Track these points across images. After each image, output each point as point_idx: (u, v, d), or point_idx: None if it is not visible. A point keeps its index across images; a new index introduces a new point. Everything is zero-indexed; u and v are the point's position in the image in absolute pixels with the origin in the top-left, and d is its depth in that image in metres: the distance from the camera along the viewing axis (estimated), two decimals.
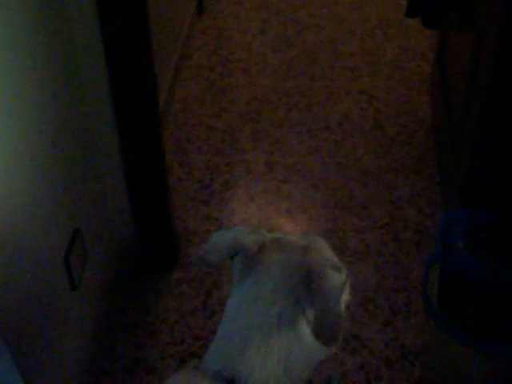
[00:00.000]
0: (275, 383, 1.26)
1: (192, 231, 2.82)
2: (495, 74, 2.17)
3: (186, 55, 3.81)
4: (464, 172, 2.48)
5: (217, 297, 2.53)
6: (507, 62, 2.11)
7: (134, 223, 2.62)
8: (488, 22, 2.22)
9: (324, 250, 1.40)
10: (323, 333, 1.24)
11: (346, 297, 1.36)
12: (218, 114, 3.43)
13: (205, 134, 3.31)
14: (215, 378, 1.25)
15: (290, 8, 4.27)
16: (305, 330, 1.27)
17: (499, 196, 2.33)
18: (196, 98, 3.55)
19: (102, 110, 2.29)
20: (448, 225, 2.15)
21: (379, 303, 2.50)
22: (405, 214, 2.85)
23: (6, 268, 1.61)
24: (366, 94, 3.49)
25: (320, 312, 1.23)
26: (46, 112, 1.89)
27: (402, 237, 2.75)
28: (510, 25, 2.05)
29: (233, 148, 3.22)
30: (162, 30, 3.25)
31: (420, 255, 2.64)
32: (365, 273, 2.61)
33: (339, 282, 1.27)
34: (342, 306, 1.32)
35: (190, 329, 2.43)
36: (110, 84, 2.24)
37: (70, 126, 2.10)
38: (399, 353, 2.34)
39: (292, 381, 1.29)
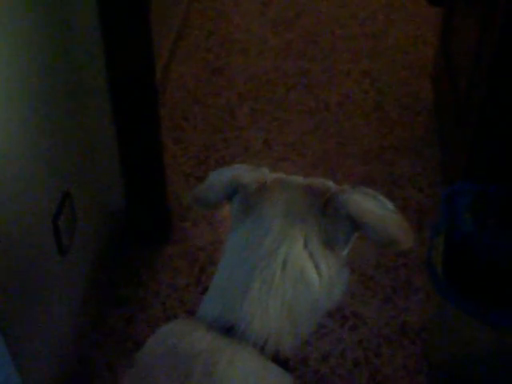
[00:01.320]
0: (277, 333, 1.14)
1: (186, 207, 2.72)
2: (500, 54, 2.12)
3: (183, 35, 3.72)
4: (468, 150, 2.41)
5: (211, 272, 2.41)
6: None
7: (127, 196, 2.52)
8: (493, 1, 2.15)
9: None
10: (393, 239, 1.18)
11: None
12: (216, 93, 3.33)
13: (201, 112, 3.22)
14: (212, 326, 1.14)
15: None
16: (312, 275, 1.16)
17: (502, 173, 2.25)
18: (193, 77, 3.45)
19: (97, 77, 2.21)
20: (453, 196, 2.06)
21: (379, 281, 2.40)
22: (405, 193, 2.75)
23: None
24: (367, 76, 3.40)
25: (371, 228, 1.16)
26: (37, 72, 1.80)
27: (402, 215, 2.65)
28: None
29: (230, 126, 3.13)
30: (159, 8, 3.16)
31: (420, 234, 2.53)
32: (365, 250, 2.51)
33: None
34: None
35: (183, 304, 2.33)
36: (105, 54, 2.17)
37: (62, 89, 2.01)
38: (399, 330, 2.24)
39: (295, 331, 1.17)
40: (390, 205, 1.24)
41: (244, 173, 1.26)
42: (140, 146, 2.49)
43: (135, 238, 2.56)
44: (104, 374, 2.15)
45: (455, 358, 2.08)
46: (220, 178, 1.27)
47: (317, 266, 1.16)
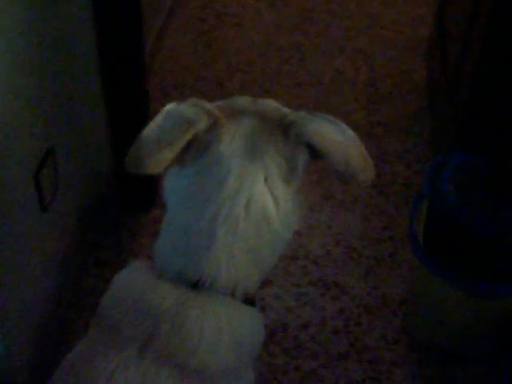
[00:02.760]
0: (245, 277, 1.08)
1: None
2: (489, 34, 2.09)
3: (177, 5, 3.64)
4: (456, 126, 2.38)
5: None
6: (502, 22, 2.02)
7: (115, 158, 2.47)
8: None
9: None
10: (354, 169, 1.13)
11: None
12: (207, 64, 3.27)
13: (192, 82, 3.16)
14: (175, 280, 1.06)
15: None
16: (272, 211, 1.07)
17: (489, 149, 2.22)
18: (186, 48, 3.39)
19: (84, 36, 2.15)
20: (438, 166, 2.02)
21: (364, 252, 2.36)
22: (393, 168, 2.71)
23: None
24: (360, 53, 3.34)
25: (333, 157, 1.10)
26: (21, 27, 1.73)
27: (389, 190, 2.61)
28: None
29: (220, 96, 3.03)
30: None
31: (407, 209, 2.48)
32: (350, 221, 2.47)
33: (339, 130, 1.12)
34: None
35: None
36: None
37: (48, 44, 1.94)
38: (381, 301, 2.20)
39: (260, 270, 1.11)
40: (351, 132, 1.17)
41: (189, 113, 1.15)
42: (128, 109, 2.44)
43: (121, 200, 2.50)
44: (82, 335, 2.09)
45: (435, 329, 2.04)
46: (167, 125, 1.15)
47: (276, 202, 1.08)
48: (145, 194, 2.50)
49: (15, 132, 1.73)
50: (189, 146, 1.08)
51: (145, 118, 2.51)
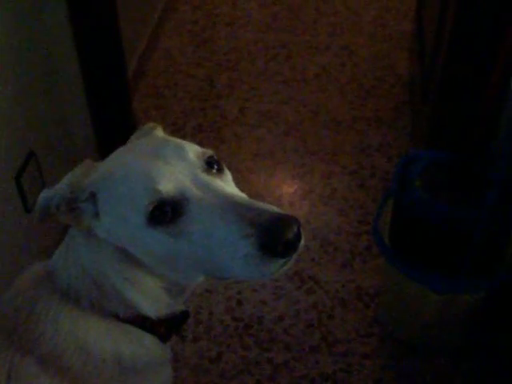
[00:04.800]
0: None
1: None
2: (457, 30, 2.00)
3: (170, 8, 3.58)
4: (430, 121, 2.30)
5: None
6: (468, 20, 1.94)
7: (98, 159, 2.42)
8: None
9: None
10: None
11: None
12: (198, 63, 3.21)
13: (183, 81, 3.10)
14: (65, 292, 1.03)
15: None
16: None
17: (459, 144, 2.14)
18: (178, 48, 3.33)
19: (65, 37, 2.10)
20: (407, 163, 1.94)
21: (339, 246, 2.29)
22: (374, 162, 2.63)
23: None
24: (345, 50, 3.26)
25: None
26: (4, 30, 1.70)
27: (368, 184, 2.53)
28: None
29: (209, 94, 3.01)
30: None
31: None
32: (328, 216, 2.40)
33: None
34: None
35: None
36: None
37: (30, 45, 1.90)
38: (354, 294, 2.13)
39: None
40: None
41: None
42: (111, 108, 2.40)
43: None
44: None
45: (405, 322, 1.97)
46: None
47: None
48: None
49: None
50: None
51: (129, 117, 2.47)
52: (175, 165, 0.92)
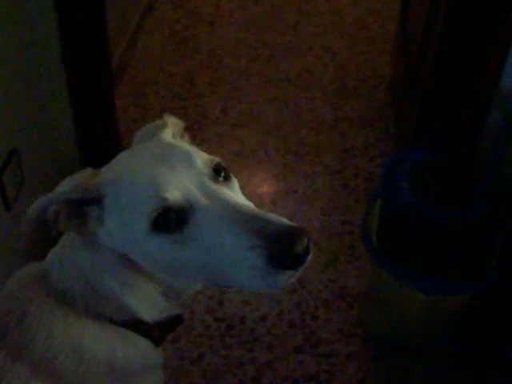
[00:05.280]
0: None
1: None
2: (446, 32, 2.01)
3: (152, 6, 3.55)
4: (415, 122, 2.30)
5: None
6: (458, 22, 1.95)
7: (79, 156, 2.38)
8: None
9: None
10: None
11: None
12: (179, 62, 3.18)
13: (164, 80, 3.07)
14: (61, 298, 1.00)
15: None
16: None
17: (446, 145, 2.14)
18: (159, 47, 3.30)
19: (48, 30, 2.06)
20: (393, 164, 1.93)
21: (323, 246, 2.27)
22: (356, 162, 2.62)
23: None
24: (328, 51, 3.25)
25: None
26: None
27: (351, 184, 2.52)
28: None
29: (190, 93, 2.98)
30: None
31: None
32: (311, 215, 2.38)
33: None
34: None
35: None
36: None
37: (13, 43, 1.86)
38: (338, 294, 2.12)
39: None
40: None
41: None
42: (94, 105, 2.35)
43: None
44: None
45: (388, 323, 1.96)
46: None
47: None
48: None
49: None
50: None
51: (111, 115, 2.43)
52: (182, 172, 0.91)
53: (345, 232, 2.32)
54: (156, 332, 1.05)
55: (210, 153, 2.88)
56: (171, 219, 0.87)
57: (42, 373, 0.93)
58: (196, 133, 2.74)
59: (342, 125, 2.80)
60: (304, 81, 3.05)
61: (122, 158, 0.99)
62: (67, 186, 0.94)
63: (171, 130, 1.05)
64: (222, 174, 0.95)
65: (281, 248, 0.82)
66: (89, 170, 0.98)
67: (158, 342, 1.07)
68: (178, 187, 0.88)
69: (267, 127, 2.77)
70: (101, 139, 2.41)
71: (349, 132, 2.76)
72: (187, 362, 1.90)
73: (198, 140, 2.69)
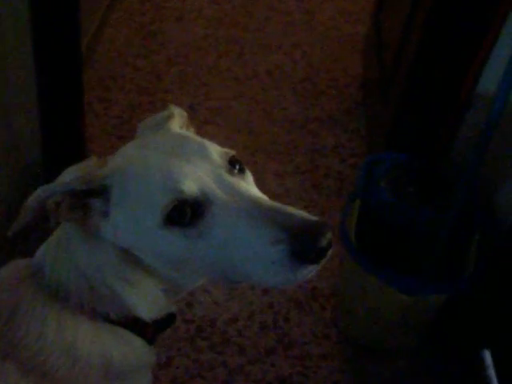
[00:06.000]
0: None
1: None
2: (426, 33, 2.02)
3: None
4: (389, 123, 2.30)
5: None
6: (438, 24, 1.96)
7: (44, 152, 2.31)
8: None
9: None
10: None
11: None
12: (146, 56, 3.12)
13: (130, 74, 3.01)
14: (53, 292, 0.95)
15: None
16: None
17: (419, 146, 2.14)
18: (125, 40, 3.23)
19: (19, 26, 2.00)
20: (370, 165, 1.93)
21: None
22: (327, 162, 2.61)
23: None
24: (298, 49, 3.24)
25: None
26: None
27: (322, 184, 2.51)
28: None
29: (157, 88, 2.93)
30: None
31: (340, 202, 2.40)
32: None
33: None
34: None
35: None
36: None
37: None
38: (310, 295, 2.10)
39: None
40: None
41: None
42: (59, 101, 2.29)
43: None
44: None
45: (362, 324, 1.95)
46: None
47: None
48: None
49: None
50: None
51: (78, 112, 2.37)
52: (198, 164, 0.88)
53: None
54: (150, 331, 1.01)
55: None
56: (186, 213, 0.85)
57: (32, 374, 0.89)
58: None
59: (313, 125, 2.79)
60: (274, 78, 3.03)
61: (130, 148, 0.95)
62: (71, 175, 0.90)
63: (178, 120, 1.02)
64: (237, 167, 0.93)
65: (305, 242, 0.80)
66: (94, 159, 0.94)
67: (151, 341, 1.03)
68: (194, 179, 0.86)
69: (236, 125, 2.74)
70: (64, 134, 2.35)
71: (319, 131, 2.75)
72: (154, 368, 1.85)
73: None
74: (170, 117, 1.01)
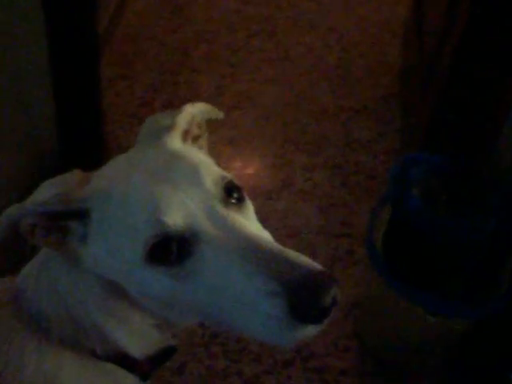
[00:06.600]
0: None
1: (126, 149, 2.42)
2: (471, 21, 1.85)
3: None
4: (429, 119, 2.17)
5: None
6: (483, 10, 1.80)
7: (60, 135, 2.22)
8: None
9: None
10: None
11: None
12: (173, 31, 3.01)
13: (155, 50, 2.90)
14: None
15: None
16: None
17: (460, 147, 2.02)
18: (151, 14, 3.12)
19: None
20: (403, 168, 1.80)
21: (318, 248, 2.15)
22: (358, 157, 2.49)
23: None
24: (334, 32, 3.10)
25: None
26: None
27: (352, 181, 2.39)
28: None
29: (183, 67, 2.82)
30: None
31: (370, 202, 2.28)
32: (308, 213, 2.26)
33: None
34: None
35: None
36: None
37: None
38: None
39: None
40: None
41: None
42: (76, 81, 2.19)
43: None
44: None
45: (386, 339, 1.85)
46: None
47: None
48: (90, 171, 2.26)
49: None
50: None
51: (95, 91, 2.27)
52: (187, 191, 0.77)
53: (343, 234, 2.20)
54: (145, 366, 0.91)
55: None
56: (171, 250, 0.74)
57: None
58: None
59: (345, 115, 2.66)
60: (306, 62, 2.90)
61: (118, 164, 0.85)
62: (48, 192, 0.80)
63: (181, 131, 0.91)
64: (235, 195, 0.82)
65: (306, 299, 0.70)
66: (76, 173, 0.85)
67: (146, 376, 0.93)
68: (181, 210, 0.75)
69: (265, 111, 2.63)
70: (82, 113, 2.25)
71: (352, 123, 2.63)
72: (168, 373, 1.78)
73: None
74: (171, 127, 0.89)
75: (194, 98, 2.65)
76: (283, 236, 2.12)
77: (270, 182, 2.35)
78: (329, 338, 1.91)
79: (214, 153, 2.37)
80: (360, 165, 2.46)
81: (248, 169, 2.40)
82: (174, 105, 2.60)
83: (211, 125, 2.55)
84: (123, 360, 0.88)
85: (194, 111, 0.94)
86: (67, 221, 0.79)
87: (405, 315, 1.74)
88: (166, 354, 0.94)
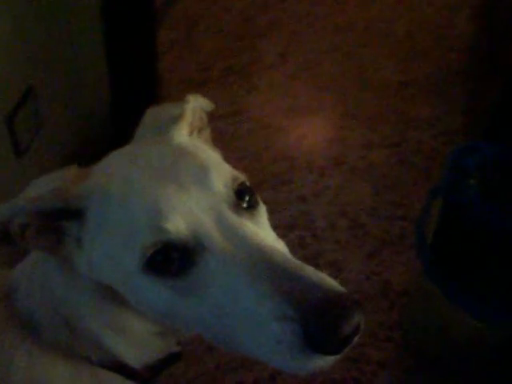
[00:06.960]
0: None
1: None
2: None
3: None
4: (496, 100, 2.06)
5: None
6: None
7: (112, 99, 2.20)
8: None
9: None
10: None
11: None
12: None
13: (219, 14, 2.84)
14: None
15: None
16: None
17: None
18: None
19: None
20: (459, 158, 1.71)
21: (370, 230, 2.09)
22: (418, 136, 2.39)
23: None
24: (403, 2, 2.97)
25: None
26: None
27: (410, 161, 2.31)
28: None
29: (245, 32, 2.76)
30: None
31: (427, 185, 2.19)
32: (361, 192, 2.19)
33: None
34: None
35: None
36: None
37: None
38: (379, 289, 1.95)
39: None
40: None
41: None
42: (131, 43, 2.16)
43: (119, 146, 2.25)
44: None
45: (429, 334, 1.79)
46: None
47: None
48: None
49: None
50: None
51: (151, 54, 2.24)
52: (193, 193, 0.69)
53: (396, 217, 2.13)
54: (145, 374, 0.86)
55: (257, 104, 2.59)
56: (172, 259, 0.67)
57: None
58: (245, 79, 2.53)
59: (408, 91, 2.56)
60: (371, 32, 2.79)
61: (118, 160, 0.77)
62: (41, 189, 0.73)
63: (189, 123, 0.82)
64: (247, 199, 0.74)
65: (323, 327, 0.62)
66: (73, 169, 0.77)
67: (147, 382, 0.87)
68: (186, 215, 0.67)
69: (325, 82, 2.55)
70: (137, 78, 2.22)
71: (414, 99, 2.52)
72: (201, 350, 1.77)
73: (247, 87, 2.49)
74: (179, 118, 0.80)
75: (255, 63, 2.60)
76: (334, 214, 2.07)
77: (323, 158, 2.29)
78: (370, 326, 1.86)
79: (271, 121, 2.34)
80: (420, 144, 2.37)
81: (304, 140, 2.33)
82: (233, 71, 2.55)
83: (271, 92, 2.50)
84: (121, 368, 0.83)
85: (195, 103, 0.85)
86: (61, 221, 0.73)
87: (453, 312, 1.67)
88: (168, 361, 0.88)
